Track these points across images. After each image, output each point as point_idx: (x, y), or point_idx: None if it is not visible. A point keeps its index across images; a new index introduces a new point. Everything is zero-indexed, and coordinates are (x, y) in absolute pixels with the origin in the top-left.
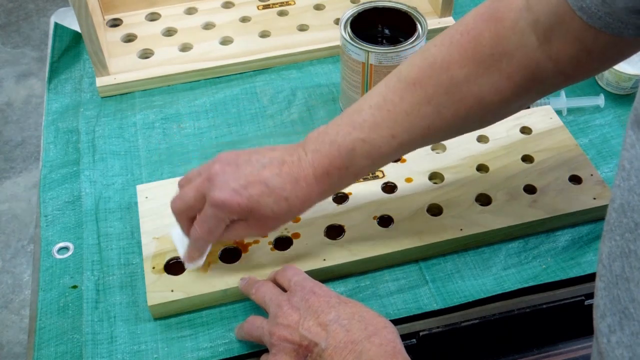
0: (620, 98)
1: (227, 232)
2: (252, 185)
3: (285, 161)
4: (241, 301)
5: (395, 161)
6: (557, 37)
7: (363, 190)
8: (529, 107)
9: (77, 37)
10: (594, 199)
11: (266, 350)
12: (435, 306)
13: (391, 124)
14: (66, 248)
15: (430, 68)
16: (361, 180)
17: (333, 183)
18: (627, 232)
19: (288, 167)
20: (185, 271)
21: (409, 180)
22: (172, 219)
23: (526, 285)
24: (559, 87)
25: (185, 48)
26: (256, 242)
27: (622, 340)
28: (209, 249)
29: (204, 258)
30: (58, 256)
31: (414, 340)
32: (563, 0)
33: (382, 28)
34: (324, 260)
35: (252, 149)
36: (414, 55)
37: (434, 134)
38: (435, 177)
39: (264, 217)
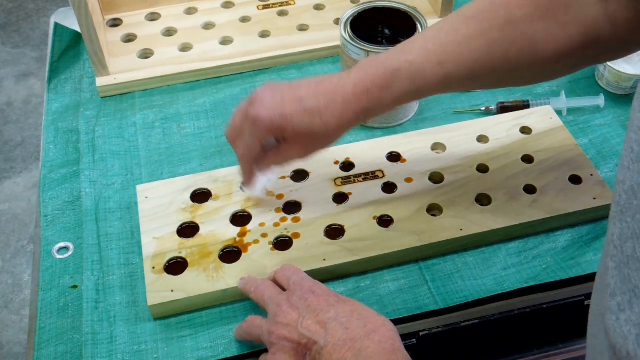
0: (620, 98)
1: (271, 154)
2: (287, 103)
3: (324, 80)
4: (241, 301)
5: (395, 161)
6: None
7: (363, 190)
8: (525, 107)
9: (77, 37)
10: (594, 199)
11: (266, 350)
12: (435, 306)
13: (441, 52)
14: (66, 248)
15: (489, 4)
16: (361, 179)
17: (371, 103)
18: (638, 214)
19: (325, 86)
20: (185, 271)
21: (409, 180)
22: (172, 219)
23: (526, 285)
24: (614, 53)
25: (185, 48)
26: (256, 242)
27: (631, 318)
28: (265, 180)
29: (259, 188)
30: (58, 256)
31: (414, 340)
32: None
33: (382, 28)
34: (324, 260)
35: None
36: None
37: (480, 72)
38: (435, 177)
39: (299, 134)
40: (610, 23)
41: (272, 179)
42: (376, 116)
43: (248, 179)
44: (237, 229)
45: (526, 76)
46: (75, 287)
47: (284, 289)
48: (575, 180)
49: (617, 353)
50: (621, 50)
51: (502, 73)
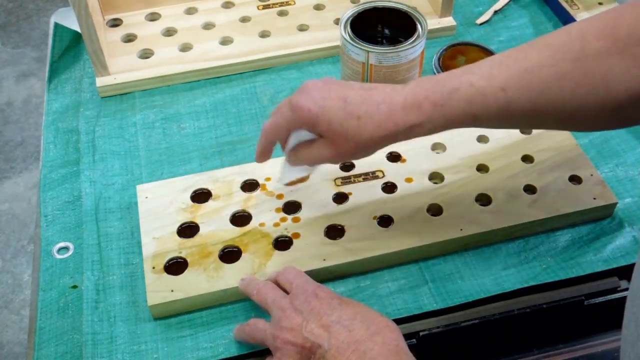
0: None
1: (303, 148)
2: (331, 99)
3: (377, 87)
4: (241, 301)
5: (395, 161)
6: None
7: (363, 190)
8: None
9: (77, 37)
10: (594, 199)
11: (266, 351)
12: (435, 306)
13: (506, 77)
14: (66, 248)
15: (564, 34)
16: (361, 179)
17: (418, 119)
18: None
19: (375, 92)
20: (185, 271)
21: (409, 180)
22: (172, 219)
23: (526, 285)
24: None
25: (185, 48)
26: (256, 242)
27: None
28: (295, 172)
29: (289, 177)
30: (58, 256)
31: (414, 340)
32: None
33: (382, 28)
34: (324, 260)
35: None
36: None
37: (544, 107)
38: (435, 177)
39: (332, 132)
40: None
41: (302, 172)
42: (417, 137)
43: (260, 155)
44: (237, 229)
45: (593, 118)
46: (75, 287)
47: (286, 291)
48: (575, 180)
49: None
50: None
51: (567, 112)
